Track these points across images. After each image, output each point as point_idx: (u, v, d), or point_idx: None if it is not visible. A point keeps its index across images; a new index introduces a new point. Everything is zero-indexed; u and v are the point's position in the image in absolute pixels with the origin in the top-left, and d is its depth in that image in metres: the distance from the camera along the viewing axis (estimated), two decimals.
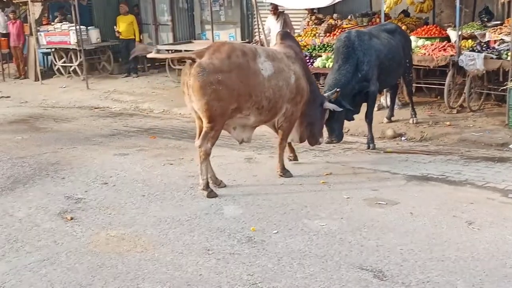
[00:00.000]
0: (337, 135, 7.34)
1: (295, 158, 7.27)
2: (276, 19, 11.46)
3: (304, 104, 6.65)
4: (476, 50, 9.05)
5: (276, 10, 11.50)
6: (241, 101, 5.96)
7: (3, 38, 16.66)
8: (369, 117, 7.89)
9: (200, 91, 5.73)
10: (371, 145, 7.86)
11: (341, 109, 6.97)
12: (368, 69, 7.51)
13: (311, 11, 12.60)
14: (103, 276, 4.40)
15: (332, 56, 10.05)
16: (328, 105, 6.91)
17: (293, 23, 13.13)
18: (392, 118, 9.13)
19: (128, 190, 6.45)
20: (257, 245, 4.85)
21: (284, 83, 6.28)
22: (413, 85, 9.60)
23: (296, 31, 12.59)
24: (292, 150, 7.28)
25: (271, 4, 11.48)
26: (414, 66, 9.51)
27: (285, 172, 6.72)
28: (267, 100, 6.13)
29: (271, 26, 11.50)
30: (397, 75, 8.53)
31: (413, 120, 8.96)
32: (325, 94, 7.07)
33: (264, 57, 6.16)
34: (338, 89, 7.02)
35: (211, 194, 6.07)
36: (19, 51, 16.41)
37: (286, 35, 7.10)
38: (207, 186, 6.12)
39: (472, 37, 9.64)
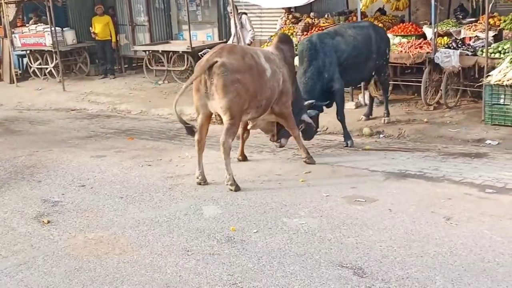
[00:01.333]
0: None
1: (244, 159, 7.37)
2: (237, 21, 11.60)
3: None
4: (452, 47, 9.14)
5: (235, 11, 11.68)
6: (251, 99, 6.26)
7: None
8: (340, 115, 7.93)
9: (224, 89, 6.01)
10: (349, 142, 7.88)
11: (314, 126, 7.42)
12: (332, 69, 7.62)
13: (288, 10, 12.61)
14: (81, 279, 4.34)
15: None
16: (306, 118, 7.15)
17: (269, 22, 13.23)
18: (370, 117, 9.17)
19: (106, 192, 6.38)
20: (237, 245, 4.83)
21: (276, 84, 6.59)
22: (390, 83, 9.64)
23: (273, 30, 12.62)
24: (242, 152, 7.39)
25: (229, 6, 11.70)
26: (390, 64, 9.53)
27: (310, 158, 7.05)
28: (266, 99, 6.47)
29: (232, 27, 11.68)
30: (367, 70, 8.47)
31: (384, 120, 8.98)
32: (308, 111, 7.22)
33: (263, 58, 6.49)
34: (312, 101, 7.26)
35: (237, 188, 6.20)
36: None
37: (284, 38, 7.23)
38: (234, 181, 6.24)
39: (448, 34, 9.74)
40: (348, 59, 7.85)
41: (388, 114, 9.02)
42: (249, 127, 7.26)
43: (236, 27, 11.53)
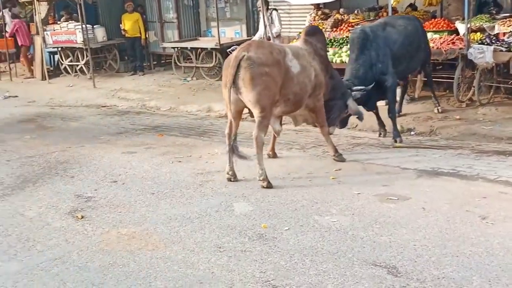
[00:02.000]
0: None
1: (274, 156, 7.34)
2: (266, 17, 11.59)
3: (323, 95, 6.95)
4: (485, 43, 8.96)
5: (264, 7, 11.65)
6: (279, 92, 6.29)
7: (9, 38, 16.67)
8: (392, 112, 7.86)
9: (251, 81, 6.06)
10: (398, 139, 7.79)
11: (361, 114, 7.26)
12: (385, 60, 7.60)
13: (317, 6, 12.53)
14: (115, 274, 4.38)
15: (339, 51, 10.07)
16: (351, 105, 7.10)
17: (298, 18, 13.17)
18: (400, 113, 9.06)
19: (138, 188, 6.43)
20: (269, 242, 4.82)
21: (307, 80, 6.58)
22: (422, 79, 9.54)
23: (302, 26, 12.54)
24: (273, 146, 7.35)
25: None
26: None
27: (339, 156, 7.02)
28: (293, 94, 6.47)
29: (261, 23, 11.65)
30: (417, 60, 8.49)
31: (437, 109, 8.95)
32: (353, 93, 7.17)
33: (291, 55, 6.48)
34: (362, 88, 7.19)
35: (269, 184, 6.22)
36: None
37: (311, 30, 7.19)
38: (266, 177, 6.25)
39: (481, 29, 9.56)
40: (400, 49, 7.88)
41: (438, 104, 9.00)
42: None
43: (265, 23, 11.51)
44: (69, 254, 4.78)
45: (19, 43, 16.60)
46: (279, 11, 12.28)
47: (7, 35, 16.58)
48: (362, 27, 8.13)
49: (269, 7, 11.75)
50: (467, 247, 4.52)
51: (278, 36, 11.77)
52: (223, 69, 6.48)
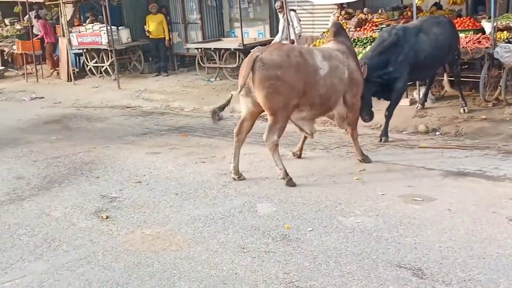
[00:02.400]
0: (368, 114, 7.44)
1: (299, 156, 7.32)
2: (283, 17, 11.62)
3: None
4: None
5: (281, 8, 11.77)
6: (300, 97, 6.20)
7: (36, 40, 16.93)
8: (389, 112, 7.91)
9: (259, 84, 6.00)
10: (383, 138, 7.91)
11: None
12: (401, 67, 7.63)
13: (341, 6, 12.47)
14: (140, 275, 4.42)
15: (363, 51, 9.99)
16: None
17: (322, 18, 13.12)
18: (425, 103, 9.19)
19: (162, 188, 6.48)
20: (292, 243, 4.81)
21: (337, 80, 6.49)
22: (447, 78, 9.44)
23: (325, 26, 12.50)
24: (301, 148, 7.34)
25: (278, 1, 11.77)
26: None
27: (365, 158, 6.97)
28: (319, 97, 6.37)
29: (280, 25, 11.69)
30: (437, 68, 8.62)
31: (463, 109, 8.87)
32: None
33: (321, 57, 6.41)
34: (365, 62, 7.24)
35: (290, 183, 6.19)
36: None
37: (338, 30, 7.14)
38: (286, 174, 6.24)
39: (508, 28, 9.39)
40: (427, 59, 7.92)
41: (465, 104, 8.92)
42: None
43: (284, 24, 11.55)
44: (94, 254, 4.83)
45: (45, 42, 16.83)
46: (301, 11, 12.28)
47: (38, 36, 16.84)
48: (397, 28, 8.05)
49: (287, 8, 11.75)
50: (493, 249, 4.45)
51: (299, 36, 11.76)
52: (240, 69, 6.46)
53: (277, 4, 12.22)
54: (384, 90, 7.67)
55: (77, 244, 5.08)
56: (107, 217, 5.65)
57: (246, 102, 6.36)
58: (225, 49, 13.70)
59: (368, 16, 11.75)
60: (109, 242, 5.08)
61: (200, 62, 14.26)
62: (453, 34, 8.52)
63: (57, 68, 16.92)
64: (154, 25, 14.91)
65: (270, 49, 6.17)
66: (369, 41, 10.23)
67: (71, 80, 15.77)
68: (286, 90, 6.04)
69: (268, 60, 6.01)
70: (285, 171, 6.26)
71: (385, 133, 7.95)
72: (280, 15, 12.07)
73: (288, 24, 11.40)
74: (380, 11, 11.96)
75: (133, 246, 4.96)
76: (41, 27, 16.77)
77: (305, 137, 7.18)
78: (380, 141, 7.87)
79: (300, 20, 12.27)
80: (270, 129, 6.18)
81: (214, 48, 13.93)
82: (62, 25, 16.12)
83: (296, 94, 6.14)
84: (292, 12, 11.86)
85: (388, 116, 7.91)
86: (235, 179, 6.52)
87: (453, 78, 9.00)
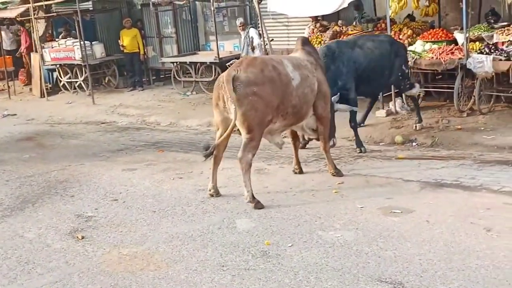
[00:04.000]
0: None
1: (300, 171, 7.20)
2: (245, 35, 11.81)
3: None
4: (485, 52, 8.94)
5: (243, 26, 12.00)
6: (274, 111, 6.16)
7: (7, 56, 16.70)
8: (353, 121, 8.03)
9: (238, 102, 5.92)
10: (362, 149, 7.97)
11: (355, 107, 7.61)
12: (348, 77, 7.68)
13: (316, 19, 12.54)
14: None
15: None
16: (340, 106, 7.27)
17: (297, 30, 13.18)
18: (362, 124, 9.08)
19: (139, 206, 6.38)
20: (272, 259, 4.76)
21: (308, 90, 6.50)
22: (422, 89, 9.53)
23: None
24: (298, 162, 7.23)
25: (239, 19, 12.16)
26: (422, 71, 9.56)
27: (337, 172, 6.94)
28: (292, 107, 6.35)
29: (241, 42, 11.89)
30: (382, 84, 8.61)
31: (416, 126, 8.86)
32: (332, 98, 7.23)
33: (292, 66, 6.40)
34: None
35: (258, 206, 6.05)
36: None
37: (305, 41, 7.18)
38: (253, 198, 6.11)
39: (480, 39, 9.54)
40: (363, 73, 7.89)
41: (420, 121, 8.90)
42: (304, 137, 7.51)
43: (245, 41, 11.75)
44: (70, 277, 4.72)
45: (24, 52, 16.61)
46: (276, 24, 12.34)
47: (26, 46, 16.64)
48: (329, 44, 8.26)
49: (248, 26, 11.94)
50: (473, 261, 4.46)
51: (260, 48, 11.77)
52: (214, 88, 6.32)
53: (238, 21, 12.35)
54: (342, 103, 7.69)
55: (52, 266, 4.95)
56: (82, 237, 5.53)
57: (222, 122, 6.28)
58: (200, 62, 13.66)
59: (343, 28, 11.83)
60: (85, 263, 4.97)
61: (176, 76, 14.19)
62: (396, 54, 8.42)
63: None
64: (128, 39, 14.81)
65: (244, 66, 6.08)
66: None
67: (44, 96, 15.56)
68: (263, 106, 6.00)
69: (244, 77, 5.95)
70: (252, 194, 6.09)
71: (359, 143, 8.03)
72: (242, 33, 12.20)
73: (250, 41, 11.58)
74: (354, 23, 12.06)
75: (110, 267, 4.85)
76: (27, 37, 16.56)
77: (296, 148, 7.14)
78: (360, 152, 7.90)
79: (261, 35, 12.16)
80: (245, 147, 6.08)
81: (189, 62, 13.89)
82: (34, 41, 15.91)
83: (271, 109, 6.10)
84: (252, 29, 11.90)
85: (354, 127, 8.02)
86: (213, 196, 6.46)
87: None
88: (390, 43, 8.53)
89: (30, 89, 16.65)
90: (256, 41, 11.85)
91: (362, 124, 9.04)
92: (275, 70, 6.20)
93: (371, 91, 8.70)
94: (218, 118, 6.31)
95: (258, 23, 11.91)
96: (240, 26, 12.26)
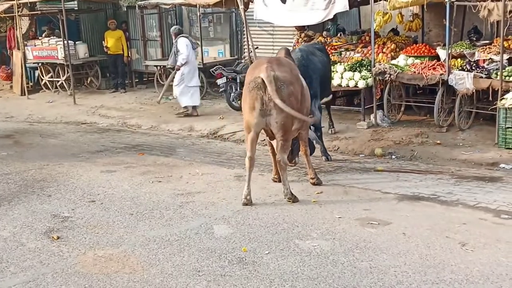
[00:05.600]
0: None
1: (279, 180, 7.14)
2: (175, 44, 11.76)
3: None
4: (466, 69, 9.06)
5: (175, 34, 11.80)
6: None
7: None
8: (318, 131, 7.99)
9: (282, 103, 5.88)
10: (328, 157, 8.16)
11: (319, 142, 7.74)
12: (316, 85, 7.66)
13: (301, 29, 12.62)
14: None
15: None
16: (311, 134, 7.22)
17: (282, 40, 13.26)
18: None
19: (116, 208, 6.33)
20: (249, 266, 4.76)
21: (305, 91, 6.59)
22: (403, 103, 9.63)
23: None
24: (277, 171, 7.17)
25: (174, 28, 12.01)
26: (404, 84, 9.73)
27: (318, 178, 7.00)
28: (306, 108, 6.52)
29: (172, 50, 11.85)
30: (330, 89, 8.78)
31: (331, 130, 9.36)
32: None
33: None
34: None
35: (296, 200, 6.31)
36: None
37: (288, 52, 7.17)
38: (291, 194, 6.31)
39: (461, 56, 9.69)
40: (322, 78, 7.88)
41: (333, 126, 9.43)
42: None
43: (173, 50, 11.64)
44: (44, 277, 4.66)
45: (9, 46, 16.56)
46: (262, 32, 12.34)
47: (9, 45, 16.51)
48: (299, 48, 8.28)
49: (179, 36, 11.68)
50: (447, 274, 4.50)
51: (186, 63, 11.52)
52: (250, 89, 6.05)
53: (171, 29, 12.17)
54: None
55: (26, 266, 4.89)
56: (58, 238, 5.47)
57: (257, 125, 6.12)
58: None
59: (327, 39, 11.93)
60: (59, 264, 4.91)
61: (159, 79, 14.15)
62: (328, 59, 8.62)
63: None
64: (112, 41, 14.74)
65: (275, 67, 6.02)
66: None
67: (24, 94, 15.41)
68: (296, 104, 6.10)
69: (283, 78, 5.98)
70: (291, 191, 6.32)
71: (325, 151, 8.22)
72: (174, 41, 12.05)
73: (177, 51, 11.46)
74: (339, 34, 12.17)
75: (85, 268, 4.80)
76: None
77: (309, 160, 7.01)
78: (327, 160, 8.12)
79: (189, 46, 11.70)
80: (282, 148, 6.19)
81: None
82: (17, 38, 15.76)
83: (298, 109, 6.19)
84: (182, 38, 11.60)
85: (319, 136, 7.98)
86: (247, 205, 6.23)
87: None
88: (325, 50, 8.84)
89: (11, 87, 16.46)
90: (181, 50, 11.48)
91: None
92: (296, 69, 6.39)
93: (326, 95, 8.56)
94: (253, 120, 6.11)
95: (244, 31, 11.93)
96: (172, 33, 11.99)
